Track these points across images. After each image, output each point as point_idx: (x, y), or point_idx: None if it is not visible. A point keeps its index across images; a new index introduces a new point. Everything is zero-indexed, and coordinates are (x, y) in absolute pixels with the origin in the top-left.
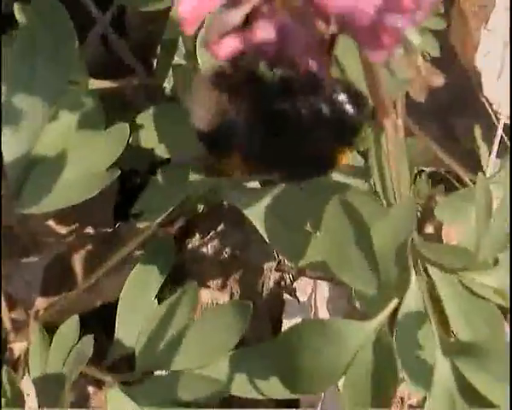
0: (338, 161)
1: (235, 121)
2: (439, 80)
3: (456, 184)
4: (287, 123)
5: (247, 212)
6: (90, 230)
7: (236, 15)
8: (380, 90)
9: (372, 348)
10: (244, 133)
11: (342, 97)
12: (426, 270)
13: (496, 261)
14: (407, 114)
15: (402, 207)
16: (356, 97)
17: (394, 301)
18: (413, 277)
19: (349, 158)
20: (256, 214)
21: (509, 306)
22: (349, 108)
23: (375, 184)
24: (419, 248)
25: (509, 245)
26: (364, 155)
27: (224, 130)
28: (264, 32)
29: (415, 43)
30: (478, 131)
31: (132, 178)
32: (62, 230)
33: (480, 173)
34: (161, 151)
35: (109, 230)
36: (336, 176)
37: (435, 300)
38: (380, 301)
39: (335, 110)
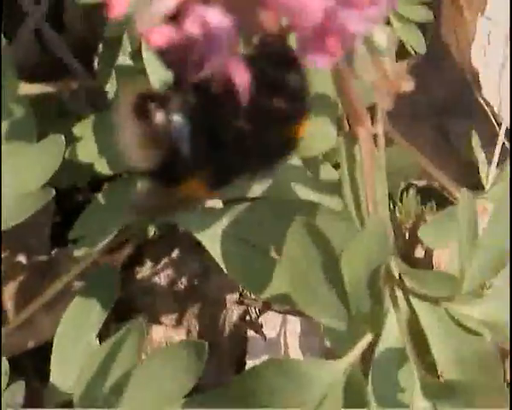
0: (298, 135)
1: (179, 145)
2: (408, 86)
3: (452, 200)
4: (231, 122)
5: (200, 236)
6: (22, 258)
7: (170, 2)
8: (350, 96)
9: (343, 390)
10: (194, 153)
11: (280, 71)
12: (407, 300)
13: (486, 288)
14: (397, 117)
15: (374, 228)
16: (290, 65)
17: (367, 337)
18: (390, 308)
19: (307, 127)
20: (211, 239)
21: (503, 341)
22: (289, 78)
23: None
24: (402, 274)
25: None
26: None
27: (170, 158)
28: (194, 25)
29: (380, 43)
30: (475, 138)
31: (71, 197)
32: None
33: (462, 189)
34: (102, 166)
35: (44, 258)
36: (306, 193)
37: (417, 334)
38: (351, 338)
39: (274, 87)
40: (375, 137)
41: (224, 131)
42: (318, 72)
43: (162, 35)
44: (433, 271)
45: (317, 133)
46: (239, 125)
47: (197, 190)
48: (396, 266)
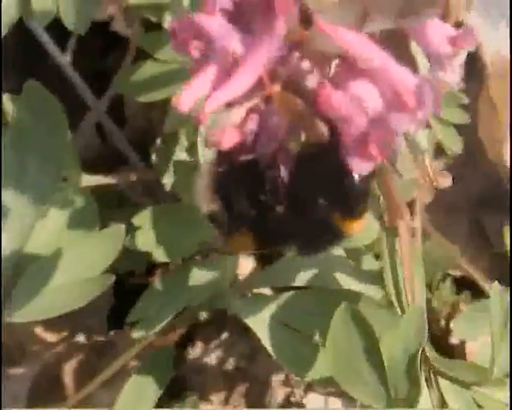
0: (349, 230)
1: (241, 200)
2: (446, 182)
3: (485, 291)
4: (292, 194)
5: (249, 322)
6: (81, 337)
7: (237, 114)
8: (392, 191)
9: None
10: (250, 210)
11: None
12: (437, 384)
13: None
14: (435, 210)
15: (412, 316)
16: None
17: None
18: (424, 390)
19: (362, 226)
20: (259, 324)
21: None
22: (354, 175)
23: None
24: (432, 361)
25: None
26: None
27: (230, 210)
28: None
29: (421, 145)
30: (507, 233)
31: (129, 280)
32: (51, 337)
33: (494, 284)
34: (159, 255)
35: (102, 338)
36: (348, 282)
37: None
38: None
39: (340, 178)
40: (413, 230)
41: (289, 203)
42: None
43: (230, 139)
44: (462, 361)
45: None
46: (303, 201)
47: (247, 245)
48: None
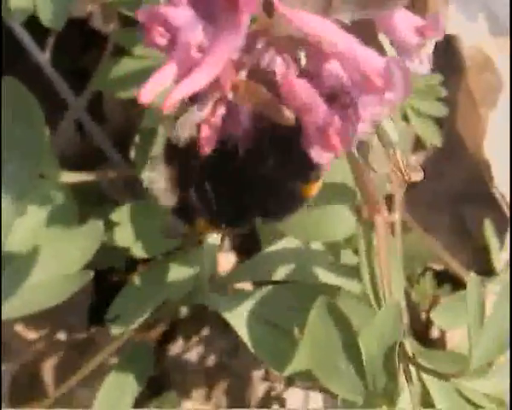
0: (307, 195)
1: (194, 186)
2: (418, 176)
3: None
4: (245, 168)
5: (228, 317)
6: (61, 335)
7: (205, 109)
8: (367, 186)
9: None
10: (204, 195)
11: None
12: (419, 376)
13: (492, 366)
14: (417, 205)
15: (389, 310)
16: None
17: None
18: (404, 384)
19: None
20: (238, 320)
21: None
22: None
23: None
24: (413, 352)
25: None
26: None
27: (183, 198)
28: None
29: (392, 139)
30: (489, 226)
31: (109, 277)
32: (32, 335)
33: (471, 274)
34: (138, 250)
35: (83, 335)
36: (327, 277)
37: (429, 406)
38: None
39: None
40: (392, 224)
41: (234, 179)
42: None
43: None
44: (444, 351)
45: (335, 220)
46: (249, 174)
47: (207, 228)
48: (410, 346)
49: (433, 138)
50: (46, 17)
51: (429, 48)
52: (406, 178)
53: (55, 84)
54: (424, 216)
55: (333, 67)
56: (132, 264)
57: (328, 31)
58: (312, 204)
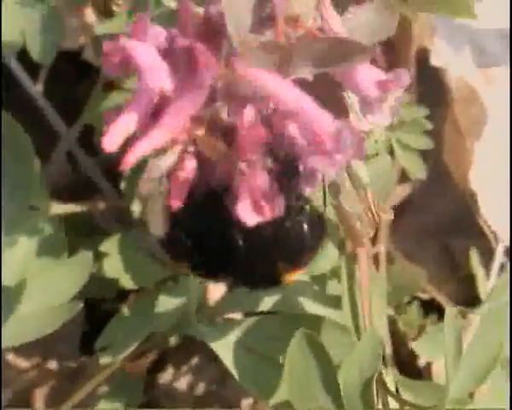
0: (285, 279)
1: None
2: (388, 217)
3: None
4: (235, 234)
5: (214, 346)
6: (53, 364)
7: (168, 160)
8: (349, 219)
9: None
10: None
11: (301, 218)
12: (401, 407)
13: (473, 396)
14: (406, 237)
15: (367, 342)
16: (315, 222)
17: None
18: None
19: (296, 277)
20: (225, 349)
21: None
22: (305, 229)
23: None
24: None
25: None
26: None
27: (174, 239)
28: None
29: (362, 179)
30: (474, 256)
31: (100, 306)
32: (23, 364)
33: (448, 307)
34: (126, 281)
35: (74, 364)
36: (313, 307)
37: None
38: None
39: (292, 229)
40: (377, 256)
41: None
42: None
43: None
44: (424, 381)
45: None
46: (247, 242)
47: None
48: (391, 376)
49: (418, 171)
50: (35, 51)
51: (392, 101)
52: (376, 218)
53: (48, 115)
54: (412, 246)
55: (285, 126)
56: (124, 293)
57: (284, 90)
58: None
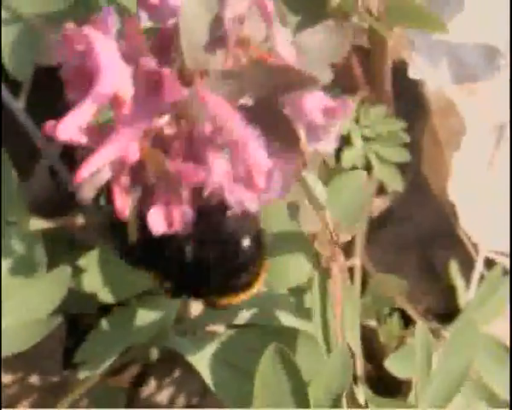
0: (221, 303)
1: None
2: (346, 237)
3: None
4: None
5: (192, 360)
6: (35, 379)
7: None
8: (322, 235)
9: None
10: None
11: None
12: None
13: None
14: (386, 249)
15: (337, 357)
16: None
17: None
18: None
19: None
20: (202, 363)
21: None
22: (244, 244)
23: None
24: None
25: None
26: None
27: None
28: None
29: (321, 200)
30: (454, 267)
31: (82, 320)
32: (5, 379)
33: (418, 323)
34: (105, 295)
35: (57, 379)
36: (289, 320)
37: None
38: None
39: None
40: (352, 269)
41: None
42: None
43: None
44: (393, 399)
45: (290, 267)
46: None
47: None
48: (362, 392)
49: (395, 184)
50: (12, 67)
51: (337, 128)
52: (335, 238)
53: (29, 130)
54: (392, 257)
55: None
56: (106, 308)
57: (232, 119)
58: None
